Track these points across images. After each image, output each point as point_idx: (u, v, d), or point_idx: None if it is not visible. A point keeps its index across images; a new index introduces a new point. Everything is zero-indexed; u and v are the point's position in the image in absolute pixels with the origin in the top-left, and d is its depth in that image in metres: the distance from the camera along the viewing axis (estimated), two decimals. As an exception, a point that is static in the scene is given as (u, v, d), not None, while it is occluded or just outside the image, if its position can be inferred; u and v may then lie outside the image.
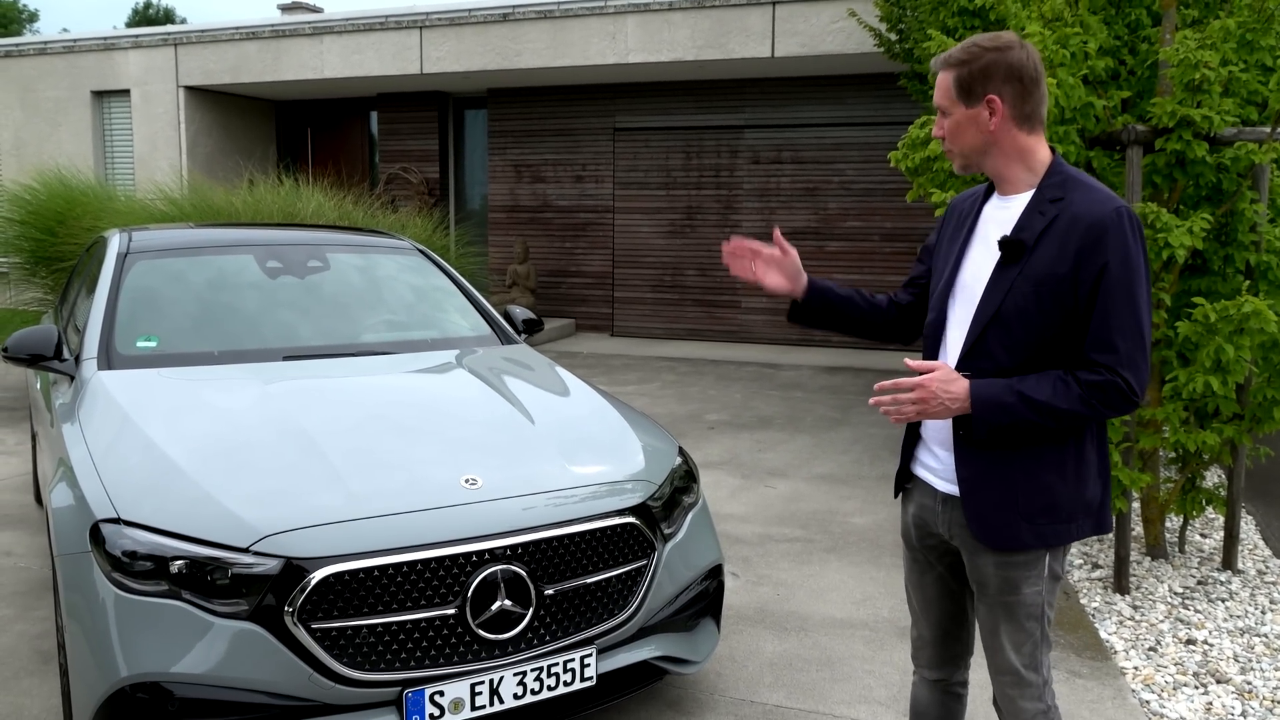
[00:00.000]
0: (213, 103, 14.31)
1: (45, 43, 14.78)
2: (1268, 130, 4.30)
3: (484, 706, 2.70)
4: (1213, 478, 6.27)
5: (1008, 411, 2.03)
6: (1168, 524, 5.29)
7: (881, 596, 4.39)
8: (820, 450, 7.02)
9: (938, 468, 2.25)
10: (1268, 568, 4.81)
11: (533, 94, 13.37)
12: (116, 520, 2.64)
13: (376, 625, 2.59)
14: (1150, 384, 4.58)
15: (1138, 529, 5.14)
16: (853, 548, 5.01)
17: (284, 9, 15.95)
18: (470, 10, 12.16)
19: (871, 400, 2.11)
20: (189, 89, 13.93)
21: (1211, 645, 3.94)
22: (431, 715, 2.64)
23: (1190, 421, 4.62)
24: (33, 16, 45.55)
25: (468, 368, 3.90)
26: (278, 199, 9.06)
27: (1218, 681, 3.64)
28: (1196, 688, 3.59)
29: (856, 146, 11.88)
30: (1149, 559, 4.85)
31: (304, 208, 9.03)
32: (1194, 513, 4.77)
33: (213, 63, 13.65)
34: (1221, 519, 5.43)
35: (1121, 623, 4.15)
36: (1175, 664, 3.77)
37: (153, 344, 3.82)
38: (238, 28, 13.41)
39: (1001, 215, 2.17)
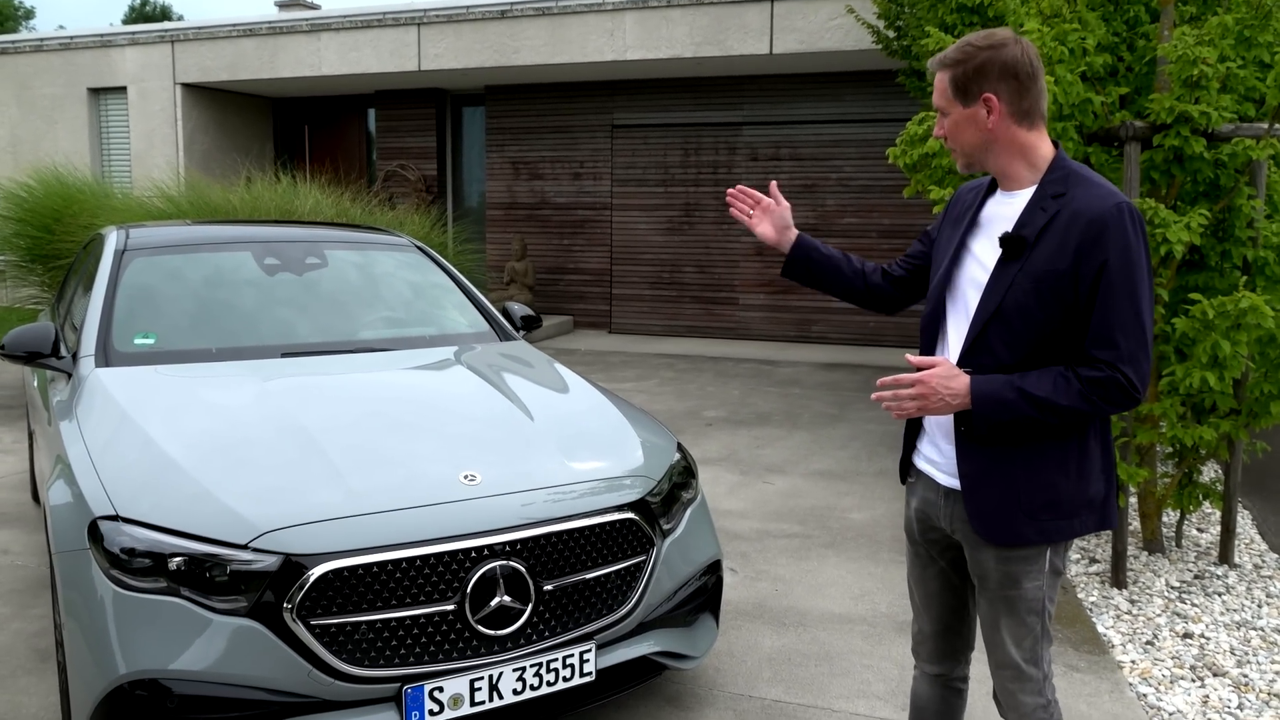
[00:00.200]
0: (210, 100, 14.29)
1: (41, 40, 14.75)
2: (1265, 126, 4.31)
3: (483, 702, 2.70)
4: (1210, 472, 6.28)
5: (1008, 408, 2.03)
6: (1165, 519, 5.30)
7: (879, 592, 4.40)
8: (818, 446, 7.03)
9: (940, 461, 2.25)
10: (1264, 562, 4.82)
11: (531, 91, 13.36)
12: (115, 517, 2.64)
13: (376, 621, 2.59)
14: (1148, 385, 4.58)
15: (1135, 524, 5.15)
16: (851, 543, 5.02)
17: (281, 6, 15.91)
18: (468, 7, 12.15)
19: (873, 396, 2.12)
20: (186, 86, 13.91)
21: (1208, 639, 3.95)
22: (431, 711, 2.64)
23: (1187, 417, 4.62)
24: (29, 13, 45.46)
25: (466, 364, 3.90)
26: (275, 196, 9.05)
27: (1214, 675, 3.64)
28: (1193, 681, 3.60)
29: (854, 143, 11.88)
30: (1146, 553, 4.86)
31: (301, 205, 9.02)
32: (1191, 507, 4.78)
33: (210, 60, 13.63)
34: (1218, 514, 5.44)
35: (1119, 617, 4.15)
36: (1172, 657, 3.78)
37: (151, 341, 3.81)
38: (235, 25, 13.39)
39: (1004, 211, 2.17)
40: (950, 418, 2.19)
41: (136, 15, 44.48)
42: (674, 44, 11.32)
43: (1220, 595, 4.39)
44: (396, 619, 2.61)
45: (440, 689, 2.64)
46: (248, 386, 3.40)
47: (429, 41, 12.44)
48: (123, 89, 14.36)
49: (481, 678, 2.69)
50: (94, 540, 2.64)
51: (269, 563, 2.55)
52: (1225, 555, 4.76)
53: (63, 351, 3.81)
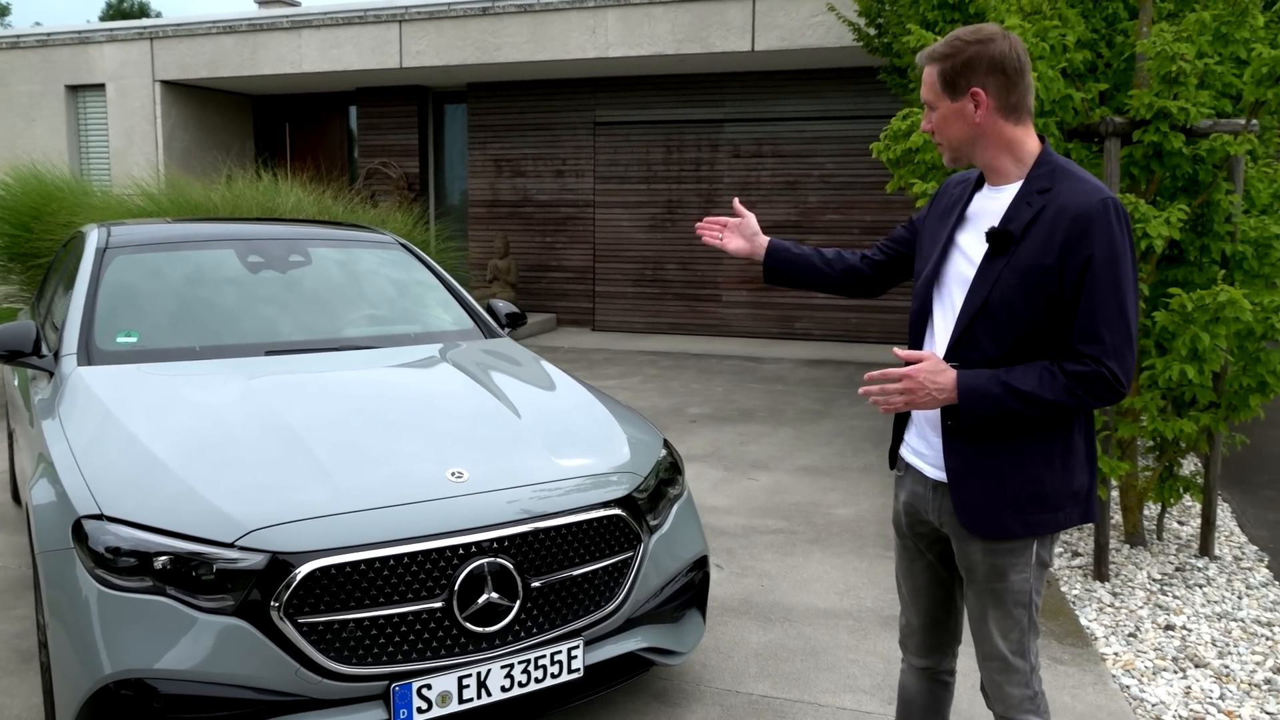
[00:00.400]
0: (189, 97, 14.20)
1: (18, 36, 14.62)
2: (1242, 122, 4.35)
3: (471, 699, 2.70)
4: (1190, 466, 6.34)
5: (994, 402, 2.05)
6: (1146, 512, 5.35)
7: (865, 586, 4.42)
8: (802, 443, 7.05)
9: (928, 454, 2.26)
10: (1244, 554, 4.87)
11: (513, 88, 13.33)
12: (99, 516, 2.62)
13: (363, 619, 2.59)
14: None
15: (1117, 517, 5.19)
16: (836, 539, 5.04)
17: (261, 3, 15.83)
18: (450, 4, 12.11)
19: (860, 390, 2.13)
20: (165, 83, 13.82)
21: (1190, 630, 3.98)
22: (419, 709, 2.64)
23: (1168, 410, 4.67)
24: (4, 10, 45.04)
25: (452, 361, 3.89)
26: (257, 194, 9.00)
27: (1196, 666, 3.68)
28: (1175, 672, 3.63)
29: (836, 140, 11.92)
30: (1128, 546, 4.90)
31: (283, 203, 8.98)
32: (1172, 500, 4.82)
33: (189, 57, 13.54)
34: (1199, 506, 5.49)
35: (1101, 609, 4.19)
36: (1154, 649, 3.82)
37: (133, 339, 3.79)
38: (214, 21, 13.31)
39: (990, 206, 2.18)
40: (937, 411, 2.20)
41: (114, 12, 44.12)
42: (656, 41, 11.32)
43: (1201, 587, 4.44)
44: (384, 617, 2.61)
45: (428, 687, 2.64)
46: (232, 385, 3.38)
47: (410, 38, 12.39)
48: (101, 86, 14.25)
49: (470, 675, 2.69)
50: (78, 539, 2.62)
51: (255, 561, 2.54)
52: (1205, 548, 4.81)
53: (44, 350, 3.78)
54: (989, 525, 2.14)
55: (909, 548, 2.40)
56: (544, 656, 2.80)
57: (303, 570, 2.53)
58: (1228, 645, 3.86)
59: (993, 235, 2.10)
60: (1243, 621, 4.08)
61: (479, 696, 2.71)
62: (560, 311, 13.41)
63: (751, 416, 7.90)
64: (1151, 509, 5.45)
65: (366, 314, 4.32)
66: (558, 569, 2.87)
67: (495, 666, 2.72)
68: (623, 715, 3.30)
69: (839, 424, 7.66)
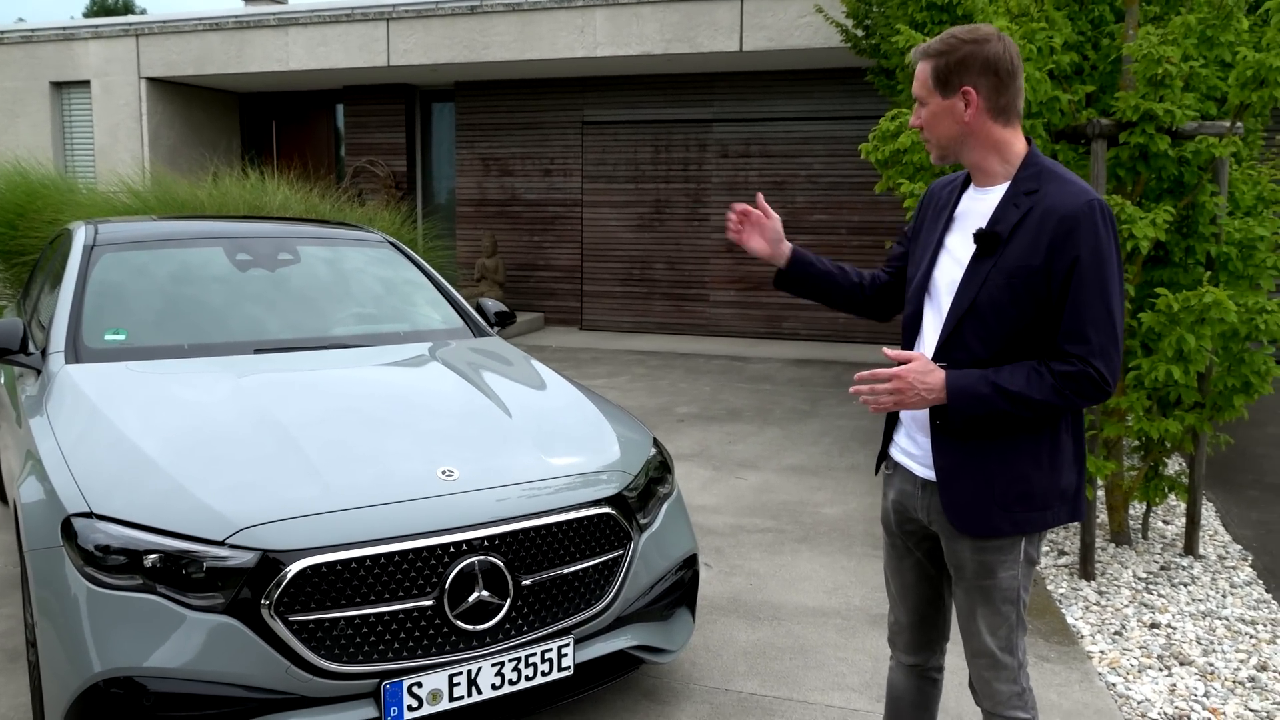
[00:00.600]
0: (175, 94, 14.13)
1: (1, 33, 14.52)
2: (1227, 124, 4.39)
3: (462, 697, 2.71)
4: (1175, 465, 6.38)
5: (983, 402, 2.06)
6: (1131, 511, 5.39)
7: (853, 585, 4.44)
8: (790, 442, 7.07)
9: (917, 453, 2.28)
10: (1228, 553, 4.91)
11: (501, 87, 13.32)
12: (89, 514, 2.62)
13: (354, 617, 2.59)
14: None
15: (1102, 516, 5.22)
16: (824, 538, 5.06)
17: (248, 0, 15.77)
18: (437, 3, 12.09)
19: (851, 389, 2.14)
20: (151, 80, 13.75)
21: (1175, 629, 4.01)
22: (410, 706, 2.64)
23: (1153, 410, 4.70)
24: (-13, 6, 44.65)
25: (441, 360, 3.89)
26: (243, 192, 8.97)
27: (1181, 664, 3.71)
28: (1161, 670, 3.66)
29: (824, 140, 11.95)
30: (1113, 545, 4.93)
31: (270, 201, 8.95)
32: (1157, 500, 4.86)
33: (175, 54, 13.48)
34: (1183, 506, 5.53)
35: (1087, 608, 4.22)
36: (1140, 647, 3.85)
37: (121, 337, 3.78)
38: (201, 19, 13.25)
39: (977, 207, 2.20)
40: (926, 411, 2.22)
41: (98, 9, 43.84)
42: (644, 40, 11.33)
43: (1186, 586, 4.47)
44: (375, 615, 2.61)
45: (419, 684, 2.64)
46: (222, 382, 3.37)
47: (398, 37, 12.37)
48: (86, 83, 14.17)
49: (460, 673, 2.69)
50: (67, 537, 2.61)
51: (246, 559, 2.54)
52: (1190, 547, 4.84)
53: (31, 348, 3.76)
54: (977, 524, 2.15)
55: (897, 546, 2.41)
56: (534, 654, 2.80)
57: (293, 568, 2.52)
58: (1212, 643, 3.89)
59: (980, 236, 2.12)
60: (1227, 620, 4.11)
61: (469, 694, 2.71)
62: (548, 311, 13.41)
63: (739, 416, 7.92)
64: (1137, 508, 5.49)
65: (355, 312, 4.32)
66: (548, 567, 2.88)
67: (486, 664, 2.72)
68: (613, 713, 3.30)
69: (826, 423, 7.69)
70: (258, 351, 3.80)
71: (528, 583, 2.82)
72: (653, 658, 3.19)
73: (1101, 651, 3.81)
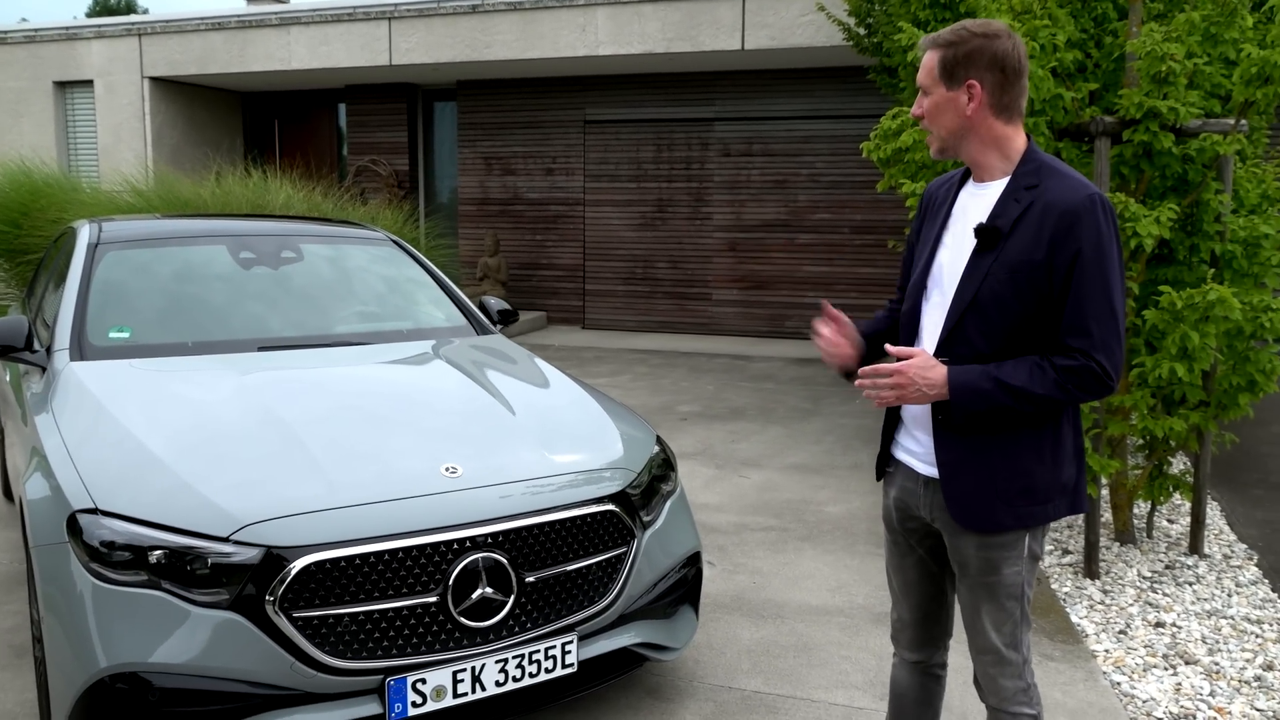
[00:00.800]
0: (178, 94, 14.14)
1: (5, 32, 14.53)
2: (1231, 122, 4.38)
3: (466, 694, 2.71)
4: (1180, 464, 6.38)
5: (985, 397, 2.06)
6: (1136, 510, 5.38)
7: (856, 583, 4.44)
8: (793, 440, 7.07)
9: (919, 451, 2.28)
10: (1233, 552, 4.90)
11: (503, 86, 13.32)
12: (94, 510, 2.62)
13: (358, 614, 2.59)
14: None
15: (1106, 515, 5.22)
16: (827, 536, 5.06)
17: (250, 0, 15.78)
18: (439, 2, 12.09)
19: (855, 383, 2.15)
20: (154, 80, 13.75)
21: (1180, 628, 4.01)
22: (414, 703, 2.64)
23: (1157, 408, 4.69)
24: (-10, 6, 44.72)
25: (445, 358, 3.89)
26: (246, 191, 8.98)
27: (1186, 663, 3.71)
28: (1166, 669, 3.66)
29: (826, 139, 11.94)
30: (1118, 544, 4.93)
31: (273, 200, 8.96)
32: (1161, 498, 4.85)
33: (178, 53, 13.48)
34: (1188, 504, 5.52)
35: (1092, 607, 4.21)
36: (1145, 646, 3.84)
37: (125, 335, 3.78)
38: (203, 18, 13.26)
39: (976, 202, 2.20)
40: (927, 410, 2.22)
41: (101, 8, 43.88)
42: (646, 39, 11.33)
43: (1191, 585, 4.47)
44: (379, 611, 2.61)
45: (423, 681, 2.64)
46: (225, 380, 3.38)
47: (400, 36, 12.37)
48: (89, 82, 14.17)
49: (464, 669, 2.69)
50: (73, 534, 2.61)
51: (250, 555, 2.54)
52: (1195, 546, 4.84)
53: (36, 346, 3.77)
54: (981, 519, 2.15)
55: (899, 543, 2.41)
56: (538, 651, 2.80)
57: (298, 564, 2.53)
58: (1218, 642, 3.89)
59: (981, 231, 2.12)
60: (1232, 619, 4.11)
61: (473, 691, 2.71)
62: (550, 309, 13.41)
63: (742, 414, 7.92)
64: (1141, 507, 5.48)
65: (358, 310, 4.32)
66: (552, 564, 2.87)
67: (489, 661, 2.72)
68: (616, 711, 3.30)
69: (829, 422, 7.68)
70: (261, 349, 3.81)
71: (531, 580, 2.82)
72: (656, 655, 3.19)
73: (1106, 650, 3.81)
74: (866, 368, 2.14)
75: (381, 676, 2.61)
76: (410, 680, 2.63)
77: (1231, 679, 3.58)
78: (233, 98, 15.11)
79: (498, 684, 2.75)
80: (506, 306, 4.73)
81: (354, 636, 2.59)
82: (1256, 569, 4.68)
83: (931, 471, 2.24)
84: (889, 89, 8.64)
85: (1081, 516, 5.17)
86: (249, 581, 2.53)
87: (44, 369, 3.65)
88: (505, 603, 2.76)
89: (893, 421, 2.37)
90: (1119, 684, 3.54)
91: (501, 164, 13.45)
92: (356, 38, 12.57)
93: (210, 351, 3.73)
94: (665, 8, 11.21)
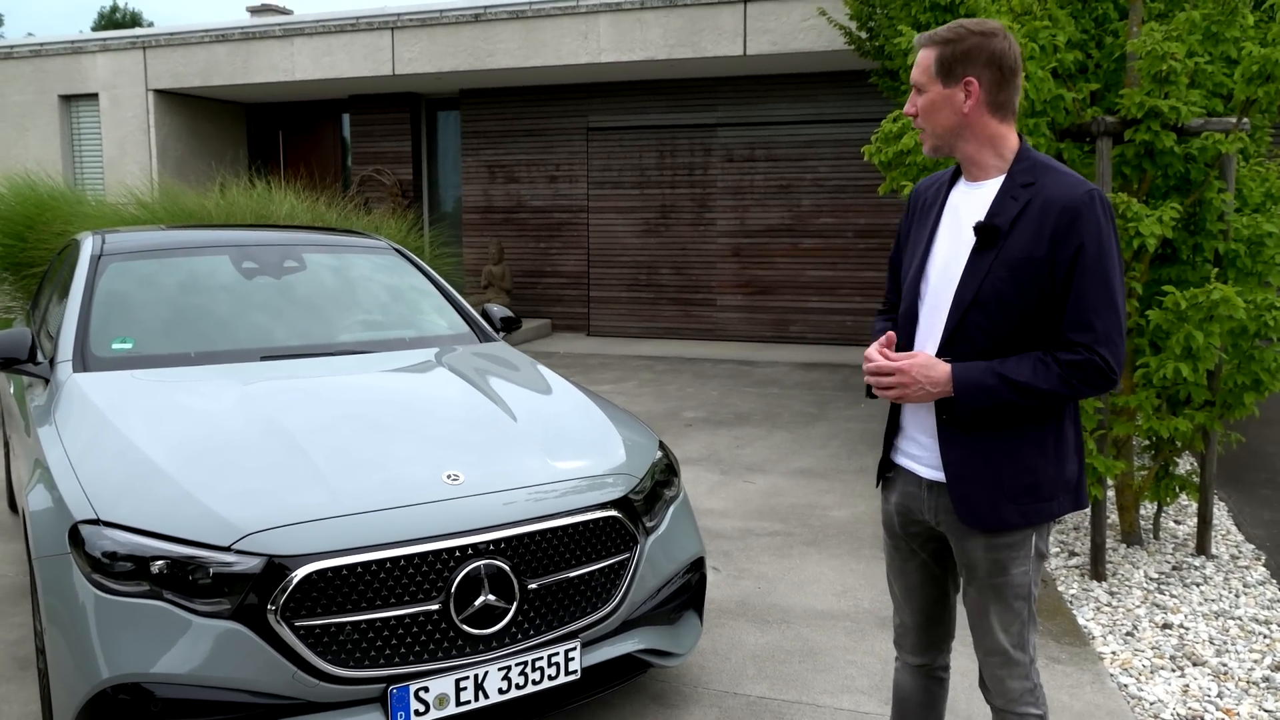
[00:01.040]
0: (182, 106, 14.19)
1: (10, 47, 14.61)
2: (1233, 120, 4.37)
3: (469, 702, 2.70)
4: (1186, 465, 6.35)
5: (990, 394, 2.07)
6: (1142, 511, 5.36)
7: (862, 588, 4.42)
8: (798, 445, 7.06)
9: (922, 455, 2.27)
10: (1240, 552, 4.88)
11: (505, 94, 13.35)
12: (96, 521, 2.62)
13: (360, 622, 2.59)
14: (1123, 372, 4.63)
15: (1113, 516, 5.19)
16: (832, 540, 5.04)
17: (253, 11, 15.85)
18: (442, 11, 12.12)
19: (865, 379, 2.16)
20: (158, 92, 13.81)
21: (1187, 629, 3.99)
22: (416, 711, 2.63)
23: (1163, 409, 4.68)
24: (-3, 21, 44.98)
25: (448, 366, 3.89)
26: (250, 202, 9.01)
27: (1194, 664, 3.68)
28: (1173, 671, 3.64)
29: (829, 144, 11.94)
30: (1124, 546, 4.91)
31: (277, 210, 8.98)
32: (1168, 499, 4.83)
33: (182, 66, 13.54)
34: (1195, 505, 5.49)
35: (1099, 609, 4.19)
36: (1152, 648, 3.82)
37: (128, 346, 3.79)
38: (207, 30, 13.31)
39: (970, 201, 2.20)
40: (930, 416, 2.22)
41: (106, 22, 44.09)
42: (648, 46, 11.35)
43: (1198, 586, 4.44)
44: (381, 619, 2.61)
45: (425, 689, 2.64)
46: (228, 390, 3.38)
47: (403, 45, 12.40)
48: (94, 96, 14.24)
49: (467, 677, 2.68)
50: (75, 544, 2.62)
51: (252, 564, 2.54)
52: (1202, 546, 4.81)
53: (39, 357, 3.78)
54: (988, 518, 2.15)
55: (901, 548, 2.40)
56: (541, 658, 2.80)
57: (299, 573, 2.52)
58: (1225, 643, 3.86)
59: (981, 229, 2.12)
60: (1240, 620, 4.09)
61: (476, 699, 2.70)
62: (555, 317, 13.41)
63: (747, 420, 7.91)
64: (1147, 508, 5.46)
65: (361, 319, 4.32)
66: (554, 571, 2.87)
67: (492, 669, 2.72)
68: (620, 717, 3.29)
69: (834, 426, 7.67)
70: (264, 359, 3.81)
71: (534, 586, 2.82)
72: (660, 661, 3.17)
73: (1113, 652, 3.79)
74: (869, 365, 2.14)
75: (384, 685, 2.60)
76: (413, 689, 2.62)
77: (1240, 680, 3.56)
78: (237, 109, 15.16)
79: (501, 691, 2.74)
80: (509, 314, 4.72)
81: (356, 645, 2.59)
82: (1264, 569, 4.65)
83: (935, 475, 2.23)
84: (891, 92, 8.64)
85: (1088, 518, 5.15)
86: (251, 591, 2.53)
87: (47, 380, 3.66)
88: (508, 610, 2.76)
89: (893, 428, 2.36)
90: (1126, 686, 3.52)
91: (505, 172, 13.47)
92: (359, 48, 12.61)
93: (213, 361, 3.73)
94: (667, 14, 11.23)
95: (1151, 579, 4.51)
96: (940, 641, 2.45)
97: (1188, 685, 3.52)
